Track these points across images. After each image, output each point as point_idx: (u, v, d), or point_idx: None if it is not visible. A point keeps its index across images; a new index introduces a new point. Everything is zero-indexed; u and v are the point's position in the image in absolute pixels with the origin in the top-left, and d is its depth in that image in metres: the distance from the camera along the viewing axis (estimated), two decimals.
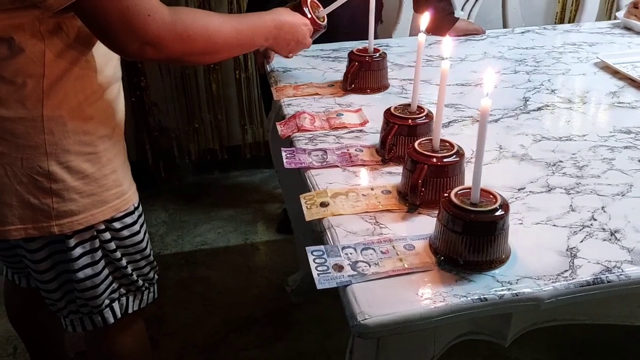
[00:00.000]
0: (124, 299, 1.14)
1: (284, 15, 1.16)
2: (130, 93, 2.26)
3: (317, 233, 1.94)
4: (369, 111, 1.21)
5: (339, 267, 0.77)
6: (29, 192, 0.94)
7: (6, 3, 0.82)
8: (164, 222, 2.34)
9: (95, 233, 1.01)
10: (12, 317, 1.40)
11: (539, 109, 1.25)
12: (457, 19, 1.70)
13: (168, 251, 2.18)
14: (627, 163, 1.03)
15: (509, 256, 0.79)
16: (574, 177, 0.99)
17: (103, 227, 1.02)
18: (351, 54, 1.28)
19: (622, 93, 1.32)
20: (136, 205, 1.07)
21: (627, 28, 1.75)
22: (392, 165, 1.02)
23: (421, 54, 0.98)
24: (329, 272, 0.76)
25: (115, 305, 1.12)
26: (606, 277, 0.76)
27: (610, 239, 0.84)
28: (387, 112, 1.03)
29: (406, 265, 0.77)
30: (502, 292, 0.73)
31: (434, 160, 0.88)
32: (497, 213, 0.75)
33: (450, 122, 1.18)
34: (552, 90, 1.34)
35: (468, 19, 2.18)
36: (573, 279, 0.76)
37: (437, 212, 0.88)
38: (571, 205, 0.91)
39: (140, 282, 1.14)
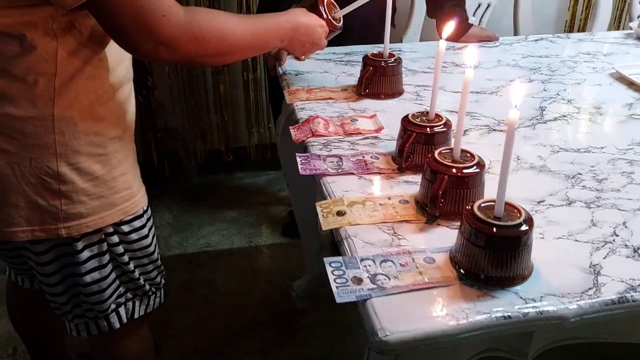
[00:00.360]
0: (130, 303, 1.12)
1: (300, 17, 1.13)
2: (136, 92, 2.22)
3: (325, 237, 1.93)
4: (383, 117, 1.19)
5: (358, 280, 0.74)
6: (37, 193, 0.92)
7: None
8: (168, 224, 2.32)
9: (103, 236, 0.99)
10: (14, 317, 1.37)
11: (556, 119, 1.23)
12: (471, 25, 1.68)
13: (172, 253, 2.16)
14: None
15: (532, 272, 0.77)
16: (594, 190, 0.97)
17: (111, 230, 1.00)
18: (366, 59, 1.27)
19: (639, 105, 1.30)
20: (145, 208, 1.05)
21: None
22: (408, 174, 1.00)
23: (440, 61, 0.96)
24: (348, 285, 0.74)
25: (122, 310, 1.10)
26: (631, 295, 0.74)
27: (633, 256, 0.82)
28: (405, 120, 1.01)
29: (426, 279, 0.75)
30: (526, 310, 0.71)
31: (454, 170, 0.86)
32: (522, 228, 0.73)
33: (466, 130, 1.16)
34: (568, 100, 1.32)
35: (479, 25, 2.16)
36: (598, 297, 0.74)
37: (456, 223, 0.87)
38: (592, 220, 0.90)
39: (147, 287, 1.12)
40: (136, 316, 1.13)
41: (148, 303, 1.15)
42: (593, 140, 1.14)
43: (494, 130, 1.17)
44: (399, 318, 0.70)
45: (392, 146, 1.08)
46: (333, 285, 0.74)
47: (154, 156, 2.50)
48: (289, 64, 1.44)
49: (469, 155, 0.89)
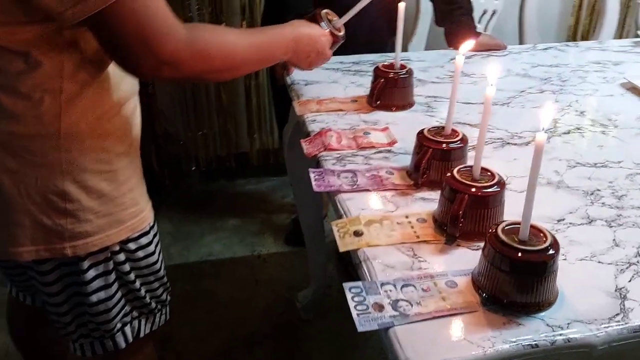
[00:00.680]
0: (136, 322, 1.09)
1: (303, 28, 1.10)
2: None
3: (331, 246, 1.91)
4: (395, 130, 1.16)
5: (379, 307, 0.72)
6: (43, 212, 0.89)
7: (21, 16, 0.78)
8: (168, 233, 2.29)
9: (109, 254, 0.96)
10: (15, 334, 1.34)
11: (569, 131, 1.21)
12: (480, 33, 1.66)
13: (173, 263, 2.13)
14: None
15: (557, 297, 0.75)
16: (614, 207, 0.95)
17: (118, 248, 0.97)
18: (377, 70, 1.24)
19: None
20: (152, 224, 1.03)
21: None
22: (425, 191, 0.97)
23: (458, 77, 0.94)
24: (369, 312, 0.71)
25: (127, 329, 1.07)
26: None
27: None
28: (421, 135, 0.99)
29: (449, 306, 0.73)
30: (553, 338, 0.69)
31: (474, 190, 0.83)
32: (549, 252, 0.71)
33: None
34: (581, 112, 1.30)
35: (485, 31, 2.14)
36: (626, 323, 0.72)
37: (477, 244, 0.85)
38: (614, 240, 0.87)
39: (153, 305, 1.09)
40: (142, 335, 1.10)
41: (154, 321, 1.12)
42: (609, 154, 1.11)
43: (508, 143, 1.15)
44: (423, 348, 0.67)
45: (406, 160, 1.06)
46: (354, 312, 0.71)
47: (154, 163, 2.47)
48: (297, 73, 1.42)
49: (489, 173, 0.87)
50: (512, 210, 0.88)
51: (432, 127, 1.00)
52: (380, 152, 1.09)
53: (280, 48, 1.05)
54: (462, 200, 0.82)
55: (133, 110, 0.99)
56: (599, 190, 1.00)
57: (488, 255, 0.74)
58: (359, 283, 0.75)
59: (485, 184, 0.84)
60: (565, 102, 1.35)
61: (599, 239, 0.87)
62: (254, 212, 2.43)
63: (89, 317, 1.02)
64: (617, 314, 0.73)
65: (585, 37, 2.74)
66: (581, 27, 2.74)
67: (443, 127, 0.99)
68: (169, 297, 1.15)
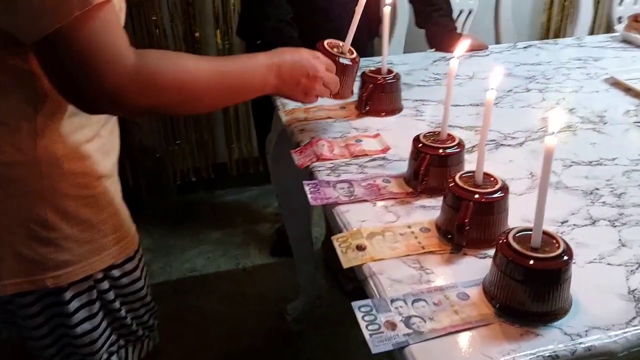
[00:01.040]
0: (123, 350, 1.04)
1: (284, 51, 0.97)
2: None
3: (317, 255, 1.86)
4: (387, 135, 1.14)
5: (392, 325, 0.69)
6: (23, 243, 0.84)
7: None
8: (148, 249, 2.22)
9: (92, 283, 0.91)
10: None
11: (561, 130, 1.19)
12: (461, 35, 1.65)
13: (155, 280, 2.07)
14: None
15: (572, 303, 0.73)
16: (615, 206, 0.94)
17: (101, 276, 0.92)
18: (365, 76, 1.21)
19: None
20: (136, 248, 0.98)
21: (627, 41, 1.73)
22: (424, 198, 0.95)
23: (452, 81, 0.91)
24: (382, 332, 0.68)
25: (114, 358, 1.02)
26: None
27: None
28: (417, 141, 0.96)
29: (464, 319, 0.70)
30: (573, 347, 0.67)
31: (478, 196, 0.81)
32: (563, 259, 0.69)
33: (473, 146, 1.12)
34: (570, 110, 1.29)
35: (462, 32, 2.13)
36: None
37: (483, 251, 0.82)
38: (620, 240, 0.86)
39: (140, 332, 1.05)
40: None
41: (142, 348, 1.08)
42: (603, 152, 1.10)
43: (502, 145, 1.13)
44: None
45: (401, 167, 1.03)
46: (366, 333, 0.68)
47: (129, 178, 2.40)
48: None
49: (491, 178, 0.84)
50: (513, 214, 0.86)
51: (428, 133, 0.98)
52: (374, 159, 1.06)
53: (255, 76, 0.91)
54: (467, 208, 0.80)
55: (112, 130, 0.95)
56: (597, 189, 0.98)
57: (500, 264, 0.71)
58: (368, 301, 0.72)
59: (490, 190, 0.82)
60: (552, 100, 1.34)
61: (605, 239, 0.86)
62: (235, 223, 2.39)
63: (74, 349, 0.97)
64: (634, 318, 0.71)
65: (557, 34, 2.76)
66: (553, 24, 2.77)
67: (438, 133, 0.97)
68: (156, 322, 1.10)
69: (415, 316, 0.70)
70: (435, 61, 1.57)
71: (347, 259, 0.80)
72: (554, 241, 0.71)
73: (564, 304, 0.71)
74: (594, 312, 0.72)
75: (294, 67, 0.96)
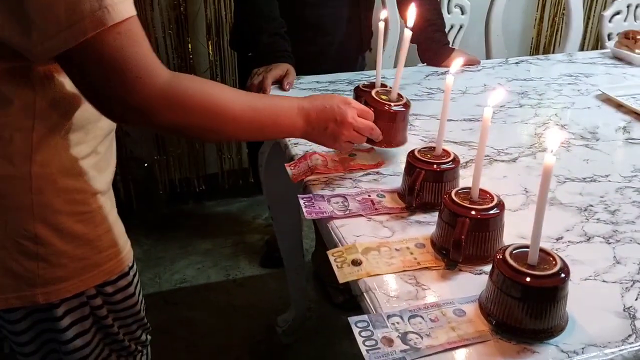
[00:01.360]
0: None
1: (316, 97, 0.97)
2: None
3: (310, 266, 1.85)
4: (380, 150, 1.13)
5: (389, 341, 0.68)
6: (12, 257, 0.82)
7: None
8: (138, 260, 2.18)
9: (85, 299, 0.90)
10: None
11: None
12: (453, 49, 1.66)
13: (145, 292, 2.01)
14: None
15: (568, 321, 0.73)
16: (609, 223, 0.94)
17: (94, 292, 0.90)
18: (358, 90, 1.21)
19: (632, 128, 1.29)
20: (131, 264, 0.96)
21: (618, 58, 1.75)
22: (419, 213, 0.95)
23: (448, 97, 0.91)
24: (379, 348, 0.67)
25: None
26: None
27: None
28: (412, 156, 0.96)
29: (461, 336, 0.70)
30: None
31: (474, 213, 0.81)
32: (560, 276, 0.69)
33: (467, 162, 1.12)
34: (562, 126, 1.30)
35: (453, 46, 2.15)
36: (639, 344, 0.70)
37: (479, 268, 0.82)
38: (615, 257, 0.86)
39: (133, 347, 1.03)
40: None
41: None
42: (596, 168, 1.11)
43: (495, 160, 1.14)
44: None
45: (395, 182, 1.03)
46: (363, 348, 0.67)
47: (119, 187, 2.38)
48: (274, 94, 1.38)
49: (487, 195, 0.84)
50: (507, 230, 0.86)
51: (423, 148, 0.98)
52: (369, 174, 1.06)
53: (286, 118, 0.92)
54: (463, 225, 0.80)
55: (109, 145, 0.94)
56: (591, 205, 0.99)
57: (497, 281, 0.71)
58: (365, 317, 0.72)
59: (486, 206, 0.82)
60: (545, 116, 1.35)
61: (600, 256, 0.86)
62: (226, 234, 2.37)
63: None
64: (630, 335, 0.72)
65: (547, 49, 2.79)
66: (543, 40, 2.80)
67: (433, 148, 0.97)
68: (149, 337, 1.09)
69: (412, 332, 0.70)
70: (427, 75, 1.58)
71: (343, 274, 0.80)
72: (551, 258, 0.71)
73: (560, 321, 0.71)
74: (590, 330, 0.72)
75: (323, 112, 0.96)
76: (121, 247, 0.93)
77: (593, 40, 2.79)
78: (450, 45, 1.69)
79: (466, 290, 0.78)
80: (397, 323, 0.71)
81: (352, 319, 0.71)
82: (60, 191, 0.83)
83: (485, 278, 0.75)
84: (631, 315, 0.75)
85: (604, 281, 0.81)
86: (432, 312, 0.73)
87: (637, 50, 1.68)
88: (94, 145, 0.88)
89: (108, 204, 0.92)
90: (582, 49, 2.67)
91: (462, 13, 2.20)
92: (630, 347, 0.70)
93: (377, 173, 1.07)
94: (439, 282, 0.80)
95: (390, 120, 1.06)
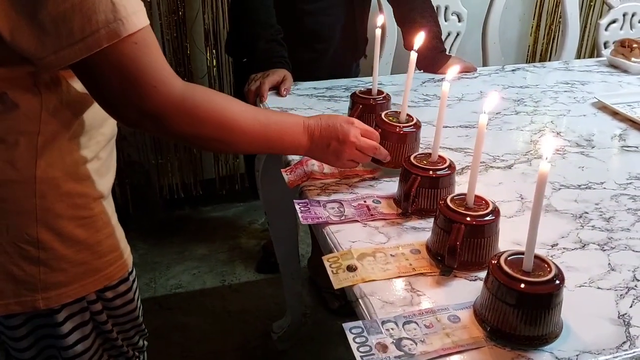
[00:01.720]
0: None
1: (321, 116, 0.99)
2: None
3: (306, 272, 1.84)
4: None
5: (383, 347, 0.68)
6: (13, 262, 0.82)
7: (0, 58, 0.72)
8: (134, 264, 2.19)
9: (85, 304, 0.90)
10: None
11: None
12: (450, 56, 1.66)
13: (140, 296, 2.03)
14: None
15: (562, 327, 0.73)
16: (604, 230, 0.94)
17: (94, 297, 0.90)
18: (355, 96, 1.22)
19: (627, 136, 1.30)
20: (130, 270, 0.96)
21: (614, 66, 1.76)
22: (414, 219, 0.95)
23: (445, 103, 0.92)
24: (373, 354, 0.67)
25: None
26: None
27: None
28: (408, 162, 0.96)
29: (455, 342, 0.70)
30: None
31: (469, 219, 0.81)
32: (555, 283, 0.69)
33: (462, 168, 1.12)
34: (558, 133, 1.30)
35: (449, 53, 2.16)
36: (634, 351, 0.70)
37: (474, 274, 0.83)
38: (609, 264, 0.86)
39: (130, 353, 1.03)
40: None
41: None
42: (591, 176, 1.11)
43: (491, 167, 1.14)
44: None
45: (391, 188, 1.03)
46: (357, 354, 0.67)
47: (116, 192, 2.38)
48: (272, 100, 1.38)
49: (482, 201, 0.84)
50: (503, 237, 0.86)
51: (419, 154, 0.98)
52: (365, 180, 1.07)
53: (291, 134, 0.94)
54: (459, 231, 0.80)
55: (111, 151, 0.94)
56: (586, 212, 0.99)
57: (492, 288, 0.71)
58: (360, 323, 0.72)
59: (481, 213, 0.82)
60: (540, 123, 1.35)
61: (594, 263, 0.86)
62: (222, 239, 2.37)
63: None
64: (624, 342, 0.72)
65: (544, 57, 2.80)
66: (539, 48, 2.81)
67: (429, 154, 0.97)
68: (145, 343, 1.08)
69: (407, 338, 0.70)
70: (424, 82, 1.58)
71: (338, 280, 0.80)
72: (546, 265, 0.71)
73: (555, 328, 0.71)
74: (585, 337, 0.72)
75: (326, 130, 0.97)
76: (121, 253, 0.94)
77: (590, 49, 2.80)
78: (447, 53, 1.70)
79: (461, 296, 0.78)
80: (392, 329, 0.71)
81: (346, 325, 0.71)
82: (63, 195, 0.83)
83: (480, 284, 0.75)
84: (626, 323, 0.75)
85: (598, 288, 0.81)
86: (426, 318, 0.73)
87: (633, 59, 1.69)
88: (96, 150, 0.88)
89: (109, 209, 0.92)
90: (578, 57, 2.68)
91: (459, 21, 2.21)
92: (625, 354, 0.70)
93: (373, 179, 1.07)
94: (434, 288, 0.80)
95: (400, 142, 1.06)
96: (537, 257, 0.71)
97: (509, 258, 0.72)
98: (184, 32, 2.31)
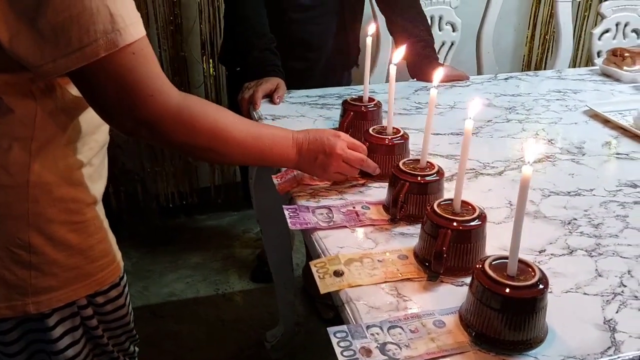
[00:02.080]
0: None
1: (309, 130, 1.01)
2: None
3: (300, 281, 1.84)
4: None
5: (367, 352, 0.68)
6: (5, 266, 0.82)
7: None
8: (127, 272, 2.17)
9: (76, 309, 0.89)
10: None
11: (540, 160, 1.21)
12: (442, 65, 1.67)
13: (133, 304, 1.99)
14: None
15: (547, 332, 0.73)
16: (592, 236, 0.94)
17: (85, 302, 0.90)
18: (346, 104, 1.22)
19: (618, 143, 1.30)
20: (122, 275, 0.96)
21: (606, 75, 1.76)
22: (403, 225, 0.95)
23: (433, 109, 0.92)
24: (357, 358, 0.67)
25: None
26: None
27: None
28: (396, 168, 0.96)
29: (440, 347, 0.70)
30: None
31: (456, 224, 0.81)
32: (539, 287, 0.69)
33: (453, 175, 1.12)
34: (549, 140, 1.31)
35: (444, 63, 2.17)
36: (618, 357, 0.70)
37: (460, 279, 0.83)
38: (597, 270, 0.86)
39: (121, 358, 1.02)
40: None
41: None
42: (581, 182, 1.12)
43: (481, 174, 1.14)
44: None
45: (380, 194, 1.03)
46: (340, 358, 0.67)
47: (111, 200, 2.38)
48: (265, 108, 1.39)
49: (469, 206, 0.85)
50: (491, 242, 0.86)
51: (407, 160, 0.98)
52: (354, 185, 1.07)
53: (280, 147, 0.96)
54: (445, 236, 0.80)
55: (102, 158, 0.95)
56: (575, 219, 0.99)
57: (476, 292, 0.71)
58: (344, 327, 0.71)
59: (467, 218, 0.82)
60: (532, 130, 1.36)
61: (582, 269, 0.86)
62: (216, 248, 2.37)
63: None
64: (609, 347, 0.71)
65: (538, 67, 2.82)
66: (534, 57, 2.83)
67: (418, 160, 0.98)
68: (136, 349, 1.08)
69: (391, 343, 0.70)
70: (416, 90, 1.59)
71: (325, 285, 0.80)
72: (530, 269, 0.71)
73: (539, 332, 0.71)
74: (570, 342, 0.72)
75: (313, 143, 0.99)
76: (113, 258, 0.94)
77: (585, 58, 2.82)
78: (441, 62, 1.71)
79: (447, 301, 0.78)
80: (377, 334, 0.71)
81: (330, 329, 0.71)
82: (56, 200, 0.84)
83: (467, 290, 0.74)
84: (611, 328, 0.75)
85: (585, 294, 0.81)
86: (412, 323, 0.73)
87: (624, 67, 1.70)
88: (89, 156, 0.89)
89: (101, 213, 0.92)
90: (573, 66, 2.70)
91: (454, 30, 2.22)
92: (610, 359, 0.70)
93: (363, 185, 1.07)
94: (420, 293, 0.80)
95: (389, 154, 1.07)
96: (521, 261, 0.71)
97: (493, 263, 0.72)
98: (181, 41, 2.32)
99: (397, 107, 1.47)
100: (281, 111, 1.38)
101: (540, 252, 0.90)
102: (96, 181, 0.91)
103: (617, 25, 2.16)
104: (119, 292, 0.95)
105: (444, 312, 0.75)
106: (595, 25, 2.28)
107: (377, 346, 0.69)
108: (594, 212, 1.01)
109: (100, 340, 0.95)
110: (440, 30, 2.20)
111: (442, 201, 0.86)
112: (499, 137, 1.32)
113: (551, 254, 0.90)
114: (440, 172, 0.96)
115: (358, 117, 1.21)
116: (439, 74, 0.92)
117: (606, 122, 1.41)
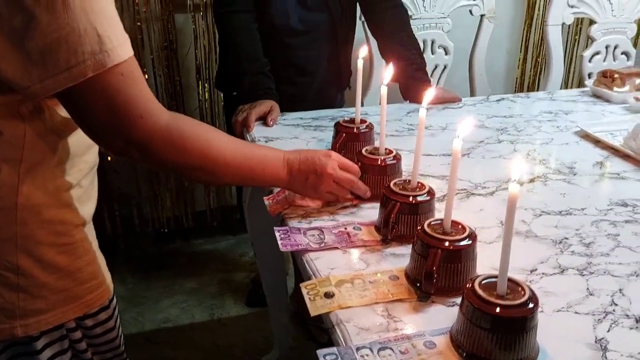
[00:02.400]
0: None
1: (300, 151, 1.02)
2: None
3: (291, 304, 1.82)
4: None
5: None
6: None
7: None
8: (122, 297, 2.18)
9: (64, 332, 0.89)
10: None
11: (532, 180, 1.21)
12: (434, 87, 1.68)
13: (127, 331, 2.01)
14: (632, 239, 0.99)
15: (538, 352, 0.72)
16: (584, 255, 0.94)
17: (74, 325, 0.89)
18: (338, 125, 1.23)
19: (609, 163, 1.31)
20: (111, 297, 0.96)
21: (596, 96, 1.78)
22: (394, 246, 0.95)
23: (422, 129, 0.93)
24: None
25: None
26: None
27: (637, 327, 0.78)
28: (387, 189, 0.97)
29: None
30: None
31: (447, 244, 0.81)
32: (529, 306, 0.69)
33: (444, 195, 1.12)
34: (540, 161, 1.31)
35: (437, 85, 2.18)
36: None
37: (451, 299, 0.82)
38: (588, 289, 0.86)
39: None
40: None
41: None
42: (573, 202, 1.12)
43: (473, 194, 1.15)
44: None
45: (372, 215, 1.03)
46: None
47: (106, 224, 2.38)
48: (258, 131, 1.39)
49: (459, 226, 0.85)
50: (482, 262, 0.86)
51: (398, 181, 0.99)
52: (346, 207, 1.07)
53: (272, 167, 0.97)
54: (435, 256, 0.80)
55: (92, 180, 0.95)
56: (566, 238, 0.99)
57: (466, 312, 0.71)
58: (334, 349, 0.71)
59: (458, 238, 0.82)
60: (523, 151, 1.36)
61: (573, 288, 0.86)
62: (211, 272, 2.36)
63: None
64: None
65: (531, 89, 2.84)
66: (526, 80, 2.85)
67: (409, 181, 0.98)
68: None
69: None
70: (409, 112, 1.60)
71: (315, 307, 0.80)
72: (520, 288, 0.71)
73: (530, 352, 0.71)
74: None
75: (304, 163, 0.99)
76: (102, 280, 0.93)
77: (577, 80, 2.85)
78: (433, 84, 1.72)
79: (438, 322, 0.78)
80: (367, 355, 0.71)
81: (320, 352, 0.70)
82: (45, 222, 0.83)
83: (457, 310, 0.74)
84: (602, 347, 0.74)
85: (576, 313, 0.81)
86: (402, 345, 0.72)
87: (614, 89, 1.72)
88: (78, 178, 0.89)
89: (90, 236, 0.92)
90: (565, 87, 2.72)
91: (446, 54, 2.24)
92: None
93: (355, 206, 1.07)
94: (410, 314, 0.80)
95: (381, 174, 1.08)
96: (511, 280, 0.71)
97: (483, 282, 0.72)
98: (177, 66, 2.34)
99: (389, 129, 1.48)
100: (275, 133, 1.39)
101: (531, 271, 0.90)
102: (85, 203, 0.91)
103: (606, 47, 2.19)
104: (109, 315, 0.94)
105: (434, 333, 0.75)
106: (586, 47, 2.30)
107: None
108: (585, 231, 1.02)
109: None
110: (432, 53, 2.21)
111: (432, 221, 0.86)
112: (491, 158, 1.32)
113: (542, 273, 0.90)
114: (431, 192, 0.96)
115: (350, 139, 1.22)
116: (429, 94, 0.93)
117: (597, 142, 1.41)
